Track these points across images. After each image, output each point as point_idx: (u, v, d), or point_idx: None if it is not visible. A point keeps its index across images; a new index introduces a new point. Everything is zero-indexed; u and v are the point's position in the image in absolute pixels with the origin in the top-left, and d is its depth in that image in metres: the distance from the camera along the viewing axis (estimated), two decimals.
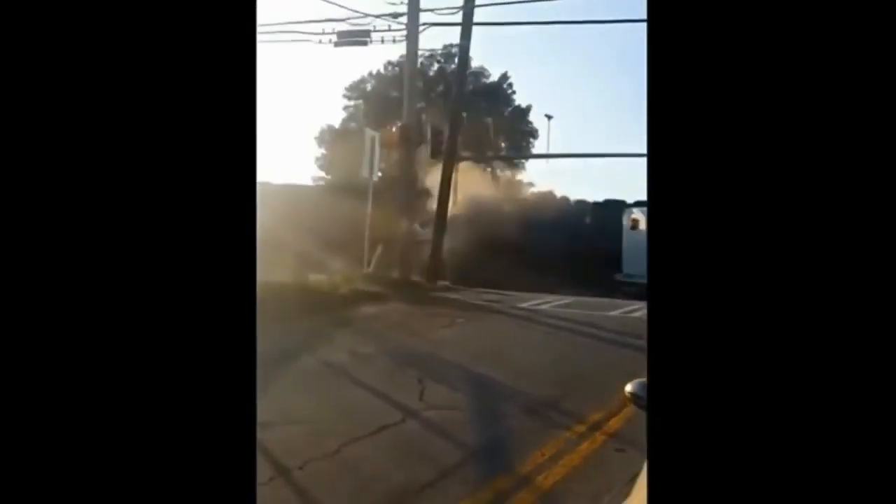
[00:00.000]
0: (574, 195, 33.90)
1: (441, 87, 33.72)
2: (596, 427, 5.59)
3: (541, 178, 45.34)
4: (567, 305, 14.32)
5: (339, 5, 20.61)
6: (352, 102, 36.78)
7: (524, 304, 13.85)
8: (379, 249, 16.78)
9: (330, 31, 17.03)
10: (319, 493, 4.11)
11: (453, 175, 19.00)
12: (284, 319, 8.90)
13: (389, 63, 35.01)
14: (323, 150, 36.12)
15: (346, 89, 36.84)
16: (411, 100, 17.24)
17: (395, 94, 33.83)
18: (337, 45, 17.13)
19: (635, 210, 25.59)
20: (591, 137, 56.55)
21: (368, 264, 16.24)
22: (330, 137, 35.41)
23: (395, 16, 16.73)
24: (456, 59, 25.13)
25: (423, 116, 18.71)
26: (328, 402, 6.06)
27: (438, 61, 35.17)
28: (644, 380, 3.27)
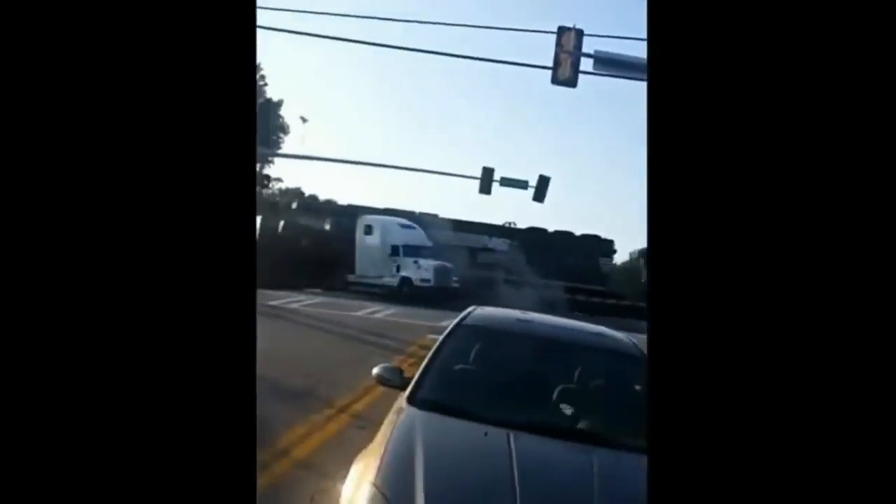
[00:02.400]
0: (323, 196, 34.93)
1: None
2: (342, 410, 6.50)
3: (288, 175, 45.65)
4: (315, 305, 15.15)
5: None
6: None
7: (274, 302, 14.39)
8: None
9: None
10: None
11: None
12: None
13: None
14: None
15: None
16: None
17: None
18: None
19: (368, 217, 27.33)
20: (344, 142, 58.28)
21: None
22: None
23: None
24: None
25: None
26: None
27: None
28: (388, 364, 4.28)
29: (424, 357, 4.09)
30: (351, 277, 25.66)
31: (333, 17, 24.36)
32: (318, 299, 16.45)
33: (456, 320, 4.35)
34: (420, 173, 30.18)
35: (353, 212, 28.28)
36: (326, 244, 26.30)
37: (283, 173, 39.29)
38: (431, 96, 58.67)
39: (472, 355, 4.19)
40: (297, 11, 29.93)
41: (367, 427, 5.88)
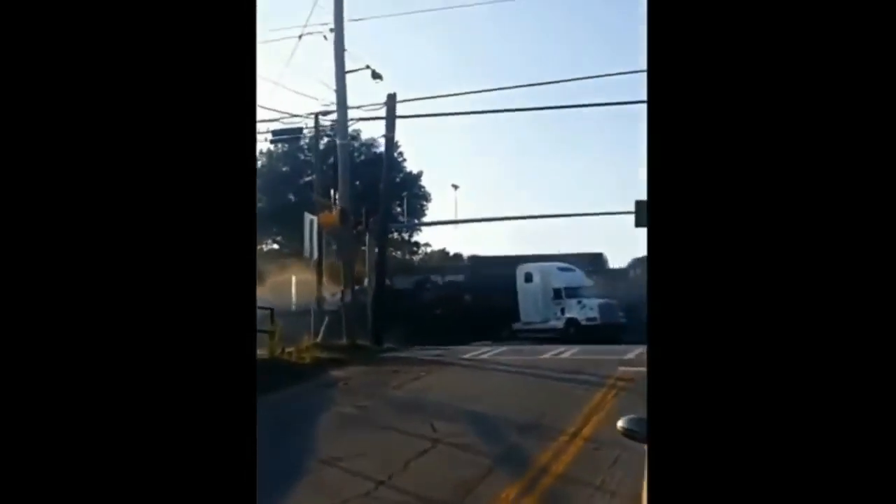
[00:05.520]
0: (467, 253, 36.69)
1: (332, 159, 34.91)
2: (574, 436, 7.62)
3: (434, 238, 48.28)
4: (502, 353, 16.44)
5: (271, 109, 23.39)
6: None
7: (467, 356, 15.82)
8: (326, 319, 18.35)
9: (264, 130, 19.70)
10: (411, 490, 5.92)
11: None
12: (277, 386, 10.52)
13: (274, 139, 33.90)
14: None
15: None
16: (343, 186, 19.45)
17: (284, 168, 36.63)
18: (272, 141, 20.27)
19: (526, 265, 28.45)
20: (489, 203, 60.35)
21: (317, 334, 17.79)
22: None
23: (325, 114, 19.22)
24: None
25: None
26: (368, 440, 7.78)
27: (329, 135, 35.93)
28: (634, 416, 2.95)
29: (625, 388, 4.24)
30: (516, 325, 26.86)
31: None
32: (500, 349, 17.75)
33: None
34: (573, 218, 31.07)
35: (510, 262, 29.60)
36: (488, 296, 27.73)
37: (431, 238, 41.90)
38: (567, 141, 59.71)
39: None
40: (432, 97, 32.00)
41: (600, 448, 6.97)
